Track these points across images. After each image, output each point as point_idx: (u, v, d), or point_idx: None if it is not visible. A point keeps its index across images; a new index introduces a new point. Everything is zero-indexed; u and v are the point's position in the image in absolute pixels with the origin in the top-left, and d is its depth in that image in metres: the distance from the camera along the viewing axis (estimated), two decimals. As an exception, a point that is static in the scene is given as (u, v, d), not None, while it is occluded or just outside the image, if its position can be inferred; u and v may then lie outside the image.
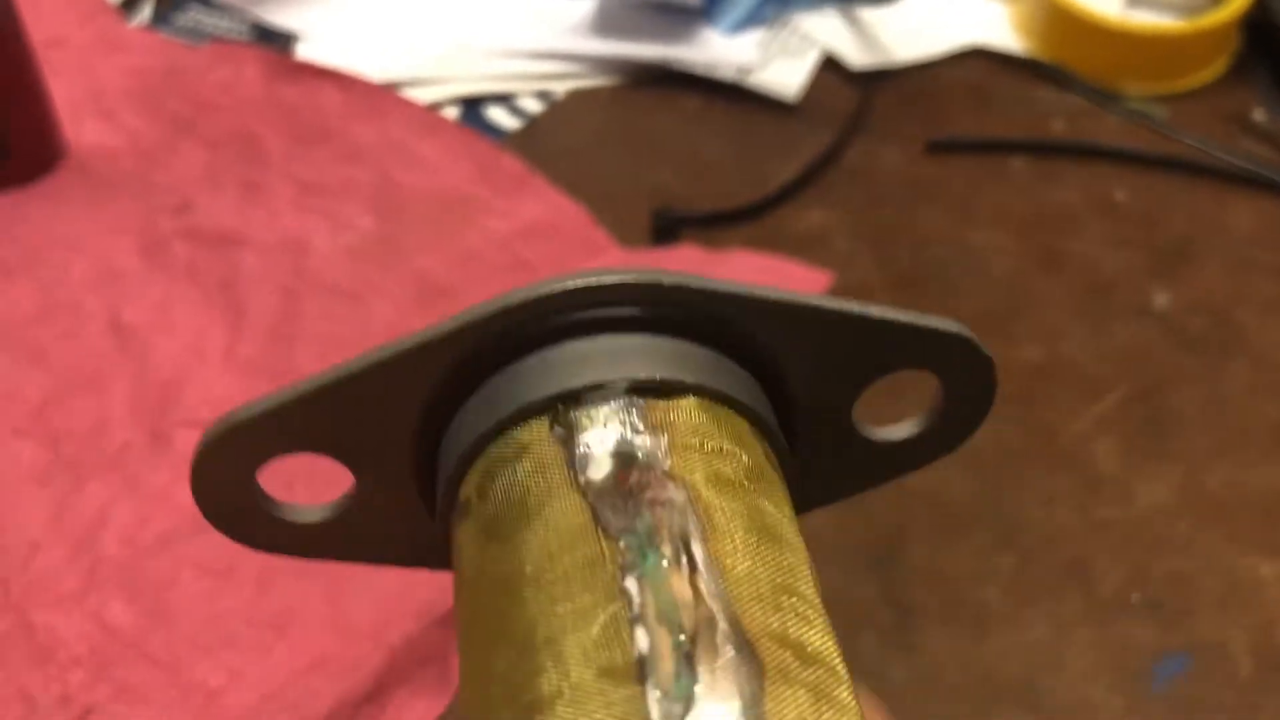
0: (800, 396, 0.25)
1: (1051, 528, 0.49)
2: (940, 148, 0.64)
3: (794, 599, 0.20)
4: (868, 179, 0.63)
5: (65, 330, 0.53)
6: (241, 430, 0.24)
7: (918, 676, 0.44)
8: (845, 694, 0.19)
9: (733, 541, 0.21)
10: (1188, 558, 0.48)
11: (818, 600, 0.21)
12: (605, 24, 0.68)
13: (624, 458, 0.22)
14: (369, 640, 0.44)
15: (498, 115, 0.65)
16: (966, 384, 0.26)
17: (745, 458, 0.23)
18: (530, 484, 0.22)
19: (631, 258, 0.57)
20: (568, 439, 0.22)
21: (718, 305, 0.24)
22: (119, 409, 0.50)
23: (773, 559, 0.21)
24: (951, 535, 0.48)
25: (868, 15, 0.70)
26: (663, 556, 0.20)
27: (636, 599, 0.19)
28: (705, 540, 0.20)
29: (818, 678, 0.19)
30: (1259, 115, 0.66)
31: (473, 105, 0.65)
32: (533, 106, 0.65)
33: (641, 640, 0.19)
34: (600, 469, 0.22)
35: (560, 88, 0.66)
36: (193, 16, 0.69)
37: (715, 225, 0.59)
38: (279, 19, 0.68)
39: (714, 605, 0.19)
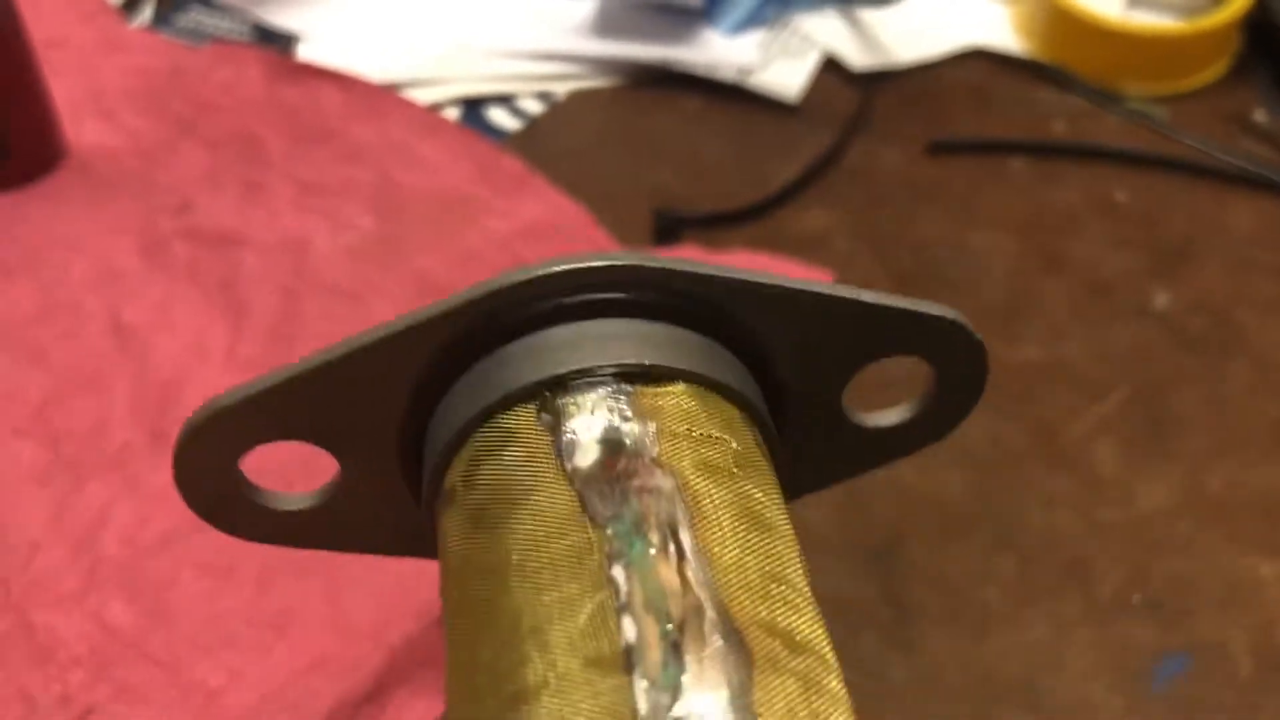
0: (790, 382, 0.25)
1: (1051, 528, 0.49)
2: (941, 148, 0.64)
3: (783, 587, 0.20)
4: (868, 180, 0.63)
5: (65, 330, 0.53)
6: (224, 416, 0.23)
7: (918, 676, 0.44)
8: (834, 682, 0.19)
9: (721, 529, 0.20)
10: (1188, 558, 0.48)
11: (807, 588, 0.21)
12: (606, 25, 0.68)
13: (611, 445, 0.21)
14: (369, 640, 0.44)
15: (498, 116, 0.65)
16: (958, 370, 0.26)
17: (734, 444, 0.22)
18: (516, 471, 0.22)
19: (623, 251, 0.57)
20: (555, 425, 0.22)
21: (707, 289, 0.23)
22: (119, 409, 0.50)
23: (761, 547, 0.21)
24: (951, 535, 0.48)
25: (868, 16, 0.70)
26: (650, 545, 0.20)
27: (624, 588, 0.19)
28: (693, 528, 0.20)
29: (807, 666, 0.19)
30: (1260, 116, 0.66)
31: (473, 106, 0.65)
32: (533, 107, 0.65)
33: (629, 629, 0.19)
34: (587, 456, 0.21)
35: (561, 88, 0.66)
36: (193, 17, 0.69)
37: (716, 226, 0.59)
38: (280, 20, 0.68)
39: (702, 594, 0.19)
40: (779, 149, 0.63)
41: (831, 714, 0.19)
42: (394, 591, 0.44)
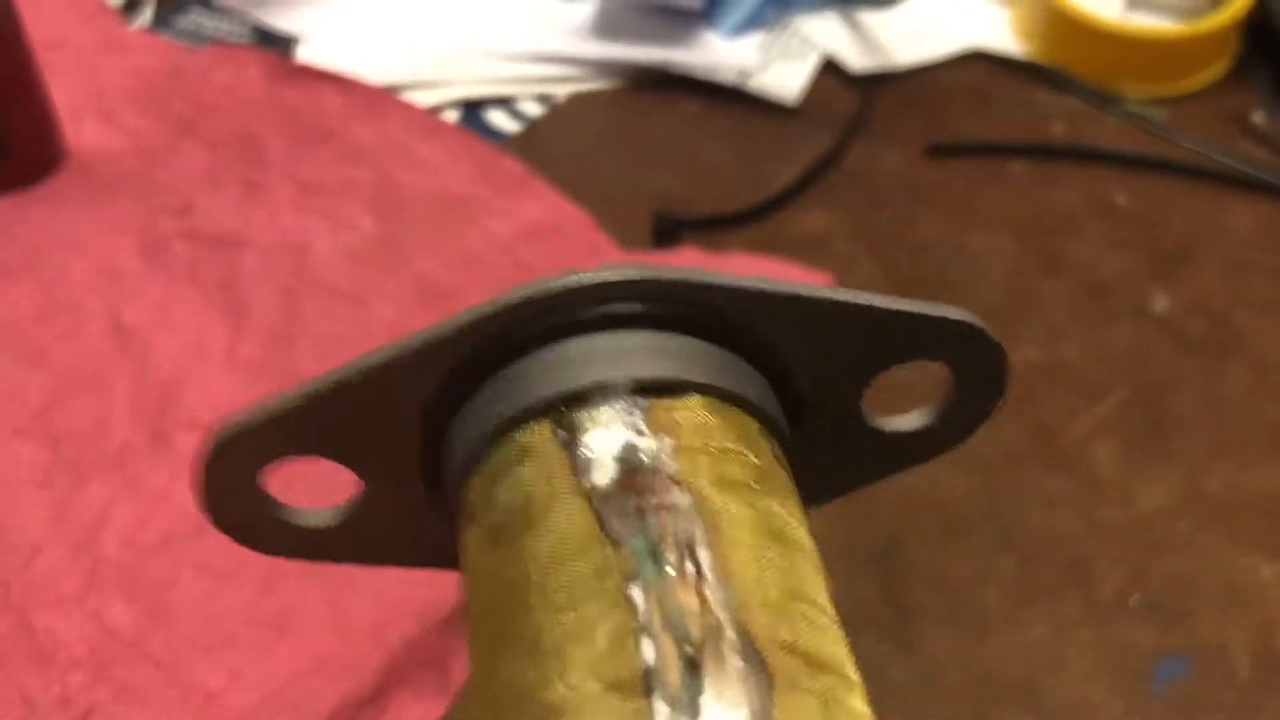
0: (808, 390, 0.25)
1: (1051, 529, 0.49)
2: (940, 150, 0.64)
3: (803, 605, 0.20)
4: (868, 182, 0.63)
5: (66, 331, 0.53)
6: (245, 435, 0.23)
7: (918, 676, 0.44)
8: (857, 702, 0.19)
9: (740, 547, 0.20)
10: (1187, 559, 0.48)
11: (828, 604, 0.21)
12: (605, 27, 0.68)
13: (628, 461, 0.21)
14: (369, 641, 0.43)
15: (498, 118, 0.65)
16: (977, 372, 0.26)
17: (753, 458, 0.22)
18: (533, 489, 0.21)
19: (633, 260, 0.57)
20: (570, 442, 0.22)
21: (722, 300, 0.23)
22: (119, 409, 0.50)
23: (781, 563, 0.20)
24: (952, 536, 0.48)
25: (868, 18, 0.70)
26: (668, 564, 0.19)
27: (642, 608, 0.19)
28: (712, 546, 0.20)
29: (828, 685, 0.19)
30: (1258, 118, 0.66)
31: (473, 108, 0.65)
32: (533, 110, 0.65)
33: (647, 651, 0.18)
34: (604, 473, 0.21)
35: (560, 91, 0.66)
36: (193, 19, 0.69)
37: (716, 228, 0.59)
38: (279, 22, 0.68)
39: (721, 613, 0.19)
40: (778, 151, 0.63)
41: None
42: (394, 592, 0.44)
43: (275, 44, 0.67)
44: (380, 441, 0.24)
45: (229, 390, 0.51)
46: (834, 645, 0.20)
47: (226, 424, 0.23)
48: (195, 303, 0.54)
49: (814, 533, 0.23)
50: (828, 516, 0.46)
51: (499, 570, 0.21)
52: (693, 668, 0.18)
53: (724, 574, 0.20)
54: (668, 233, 0.59)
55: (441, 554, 0.25)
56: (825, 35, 0.69)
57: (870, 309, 0.24)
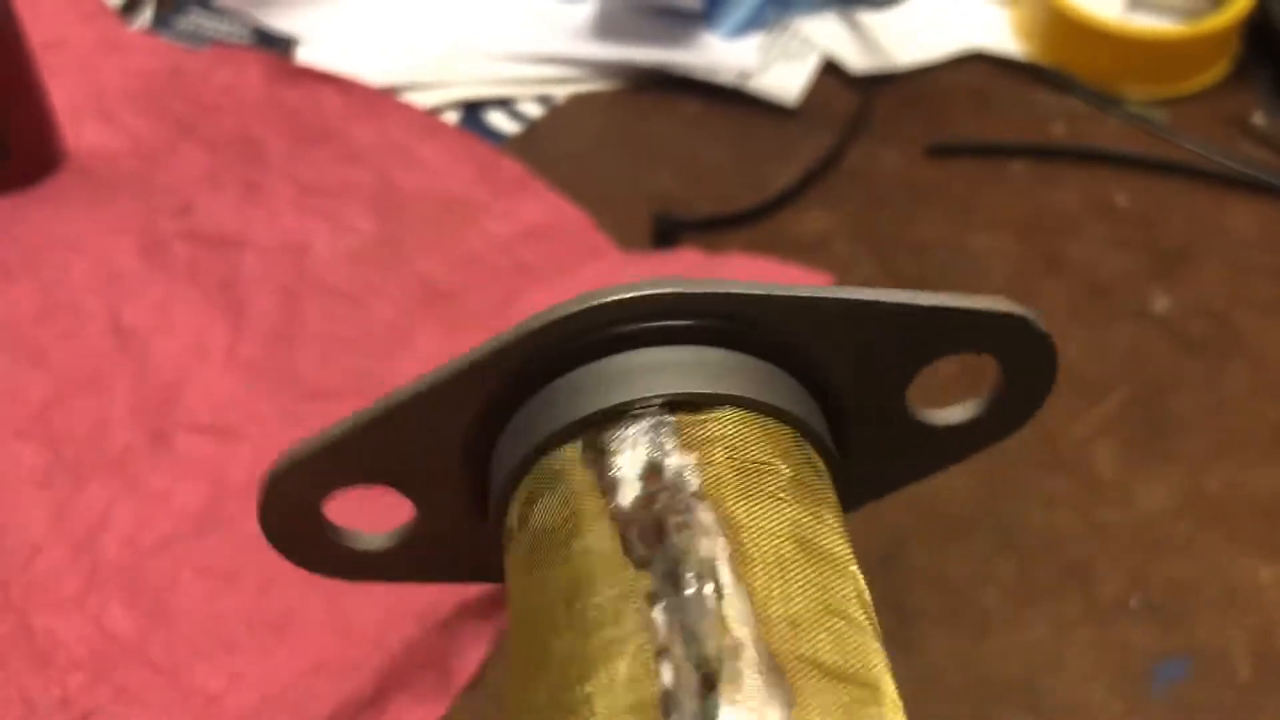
0: (847, 392, 0.25)
1: (1051, 530, 0.49)
2: (940, 151, 0.64)
3: (831, 617, 0.20)
4: (868, 182, 0.63)
5: (66, 331, 0.53)
6: (301, 466, 0.24)
7: (918, 677, 0.44)
8: (888, 713, 0.19)
9: (763, 562, 0.20)
10: (1187, 560, 0.48)
11: (859, 613, 0.21)
12: (605, 28, 0.68)
13: (651, 480, 0.21)
14: (369, 643, 0.43)
15: (498, 119, 0.65)
16: (1025, 362, 0.26)
17: (785, 468, 0.22)
18: (564, 511, 0.21)
19: (632, 261, 0.57)
20: (599, 463, 0.22)
21: (751, 310, 0.23)
22: (119, 410, 0.50)
23: (809, 577, 0.20)
24: (952, 537, 0.48)
25: (868, 19, 0.70)
26: (687, 585, 0.19)
27: (662, 630, 0.19)
28: (733, 563, 0.20)
29: (853, 698, 0.19)
30: (1259, 119, 0.66)
31: (473, 109, 0.65)
32: (533, 111, 0.65)
33: (666, 674, 0.18)
34: (629, 493, 0.21)
35: (560, 92, 0.66)
36: (193, 20, 0.69)
37: (715, 229, 0.59)
38: (279, 23, 0.68)
39: (741, 632, 0.19)
40: (778, 152, 0.63)
41: None
42: (394, 594, 0.44)
43: (275, 45, 0.67)
44: (429, 468, 0.24)
45: (229, 390, 0.51)
46: (861, 656, 0.20)
47: (281, 458, 0.23)
48: (195, 303, 0.54)
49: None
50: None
51: (535, 592, 0.21)
52: (710, 689, 0.18)
53: (746, 591, 0.19)
54: (667, 233, 0.59)
55: (497, 571, 0.25)
56: (825, 36, 0.69)
57: (910, 307, 0.24)
